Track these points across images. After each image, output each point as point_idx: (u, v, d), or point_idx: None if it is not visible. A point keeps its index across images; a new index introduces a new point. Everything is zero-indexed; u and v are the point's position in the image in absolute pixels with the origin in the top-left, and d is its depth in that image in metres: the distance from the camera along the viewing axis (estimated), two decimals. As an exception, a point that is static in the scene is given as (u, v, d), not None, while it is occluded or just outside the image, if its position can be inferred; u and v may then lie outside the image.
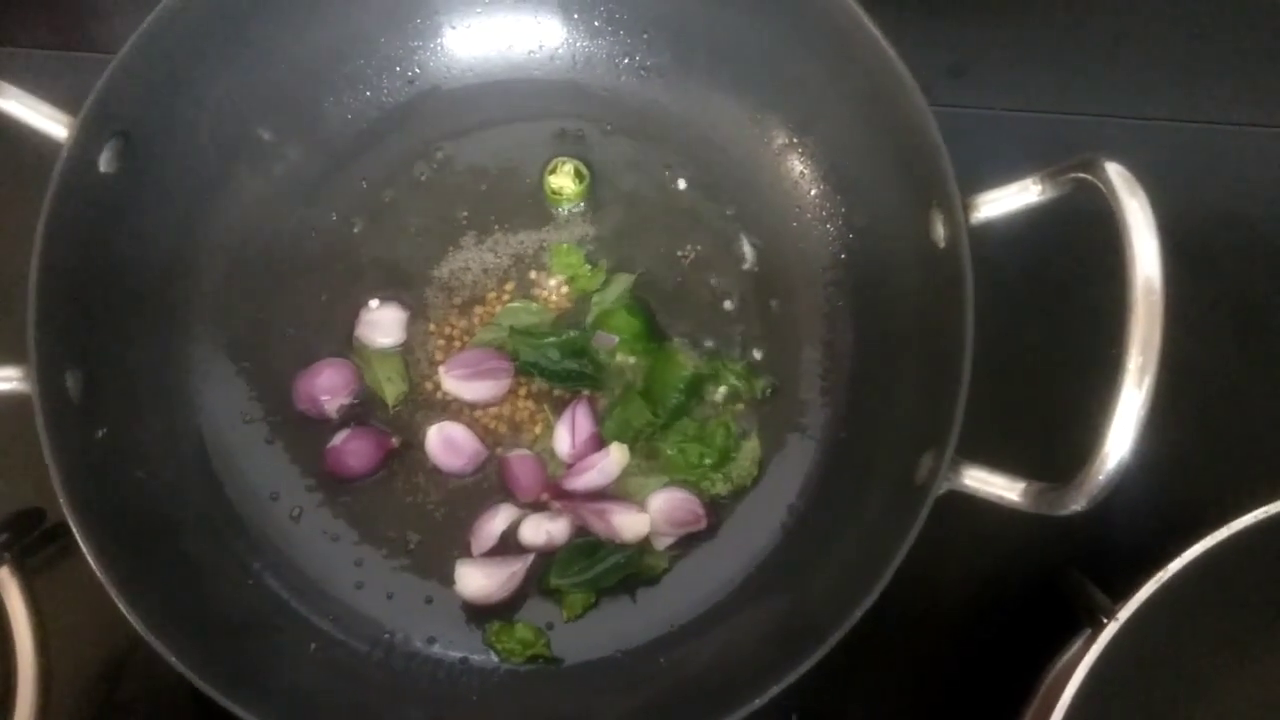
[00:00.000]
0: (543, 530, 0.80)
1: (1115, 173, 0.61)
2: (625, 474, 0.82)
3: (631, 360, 0.84)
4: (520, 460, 0.82)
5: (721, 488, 0.82)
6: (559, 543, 0.80)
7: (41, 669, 0.80)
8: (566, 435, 0.82)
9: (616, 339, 0.83)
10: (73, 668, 0.82)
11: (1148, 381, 0.58)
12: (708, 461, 0.82)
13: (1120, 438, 0.58)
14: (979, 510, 0.67)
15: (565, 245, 0.86)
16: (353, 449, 0.82)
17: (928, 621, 0.83)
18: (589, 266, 0.86)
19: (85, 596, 0.78)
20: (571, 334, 0.83)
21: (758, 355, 0.85)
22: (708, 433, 0.82)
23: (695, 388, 0.83)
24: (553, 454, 0.83)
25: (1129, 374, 0.58)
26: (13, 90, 0.71)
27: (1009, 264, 0.83)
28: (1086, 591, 0.75)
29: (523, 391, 0.84)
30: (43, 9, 0.95)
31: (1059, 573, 0.80)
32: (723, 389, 0.84)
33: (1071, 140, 0.92)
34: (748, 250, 0.86)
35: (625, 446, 0.81)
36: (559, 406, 0.83)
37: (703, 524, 0.81)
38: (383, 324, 0.85)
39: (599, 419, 0.82)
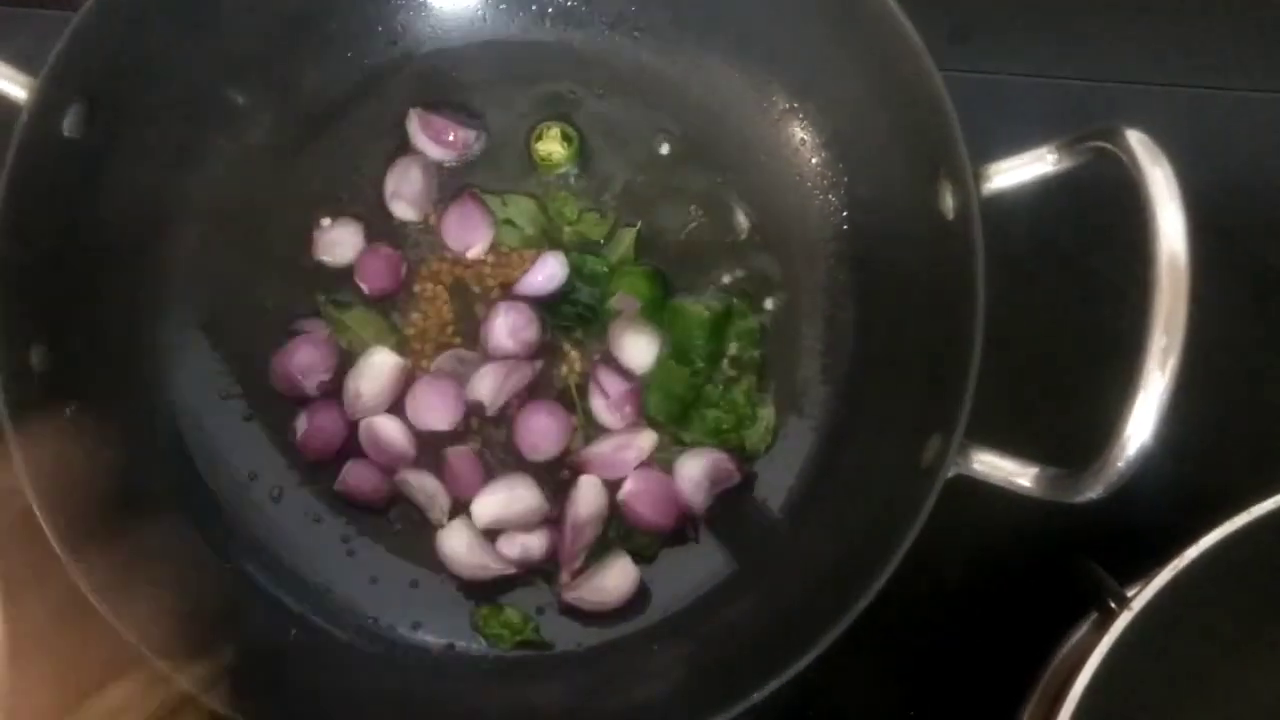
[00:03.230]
0: (518, 543, 0.78)
1: (1137, 141, 0.58)
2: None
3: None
4: (460, 458, 0.79)
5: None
6: (535, 557, 0.78)
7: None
8: (602, 401, 0.79)
9: (639, 303, 0.80)
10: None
11: (1171, 363, 0.55)
12: (724, 426, 0.79)
13: (1141, 422, 0.55)
14: (982, 491, 0.64)
15: (561, 194, 0.83)
16: (319, 426, 0.79)
17: (928, 605, 0.81)
18: (596, 215, 0.83)
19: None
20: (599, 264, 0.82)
21: (757, 330, 0.82)
22: (727, 398, 0.80)
23: (718, 328, 0.80)
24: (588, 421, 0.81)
25: (1151, 355, 0.55)
26: (-34, 49, 0.67)
27: (1018, 236, 0.80)
28: (1096, 577, 0.73)
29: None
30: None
31: (1066, 557, 0.78)
32: (746, 323, 0.81)
33: (1080, 108, 0.89)
34: (742, 219, 0.83)
35: (653, 433, 0.79)
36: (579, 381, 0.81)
37: (737, 478, 0.79)
38: (338, 244, 0.82)
39: (626, 375, 0.80)
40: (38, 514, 0.64)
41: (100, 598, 0.64)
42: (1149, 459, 0.56)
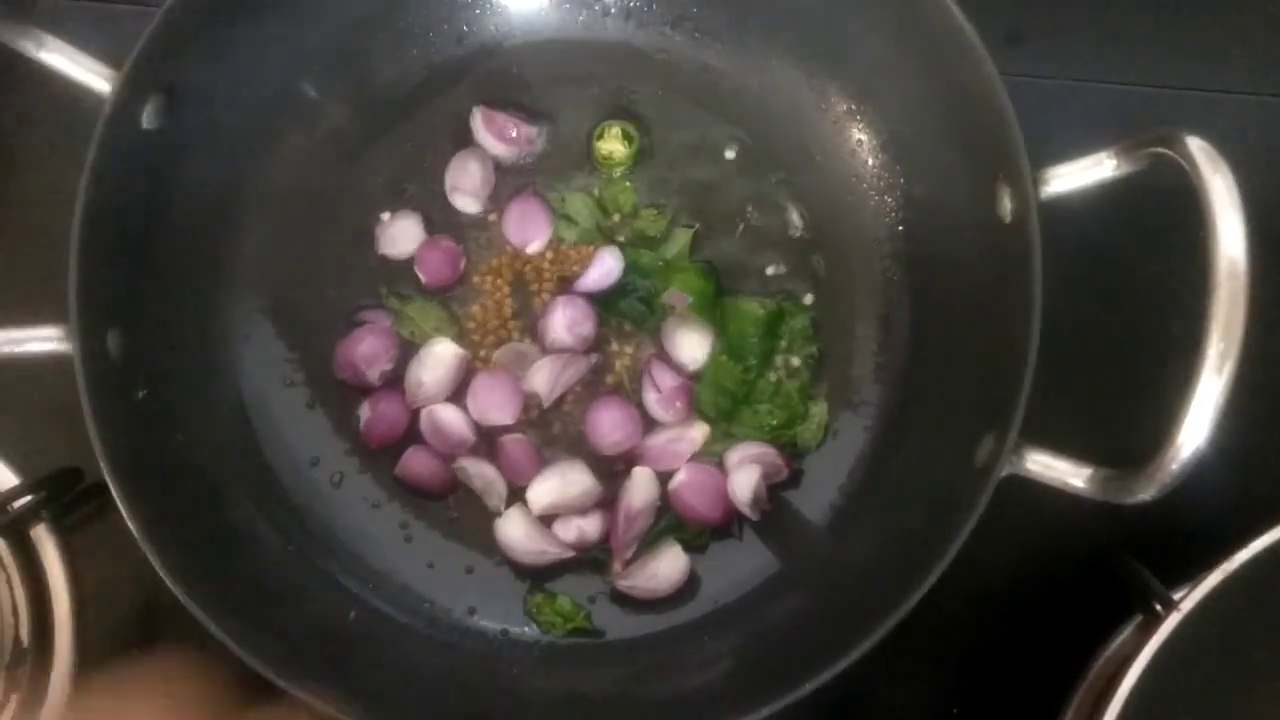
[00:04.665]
0: (574, 526, 0.79)
1: (1197, 148, 0.59)
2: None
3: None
4: (516, 445, 0.80)
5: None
6: (591, 539, 0.79)
7: (78, 627, 0.81)
8: (654, 395, 0.80)
9: (690, 299, 0.81)
10: (109, 625, 0.82)
11: (1228, 368, 0.56)
12: (774, 422, 0.80)
13: (1196, 426, 0.56)
14: (1025, 491, 0.65)
15: (620, 183, 0.85)
16: (382, 414, 0.81)
17: (972, 603, 0.81)
18: (654, 211, 0.84)
19: (121, 555, 0.80)
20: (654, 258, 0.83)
21: (810, 326, 0.83)
22: (780, 394, 0.81)
23: (771, 326, 0.81)
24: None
25: (1208, 360, 0.56)
26: (55, 42, 0.69)
27: (1072, 239, 0.79)
28: (1142, 579, 0.73)
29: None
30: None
31: (1112, 559, 0.78)
32: (798, 321, 0.82)
33: (1134, 112, 0.90)
34: (796, 218, 0.84)
35: (705, 425, 0.80)
36: (635, 375, 0.82)
37: (784, 474, 0.80)
38: (399, 237, 0.83)
39: (679, 370, 0.81)
40: (115, 496, 0.66)
41: (173, 578, 0.65)
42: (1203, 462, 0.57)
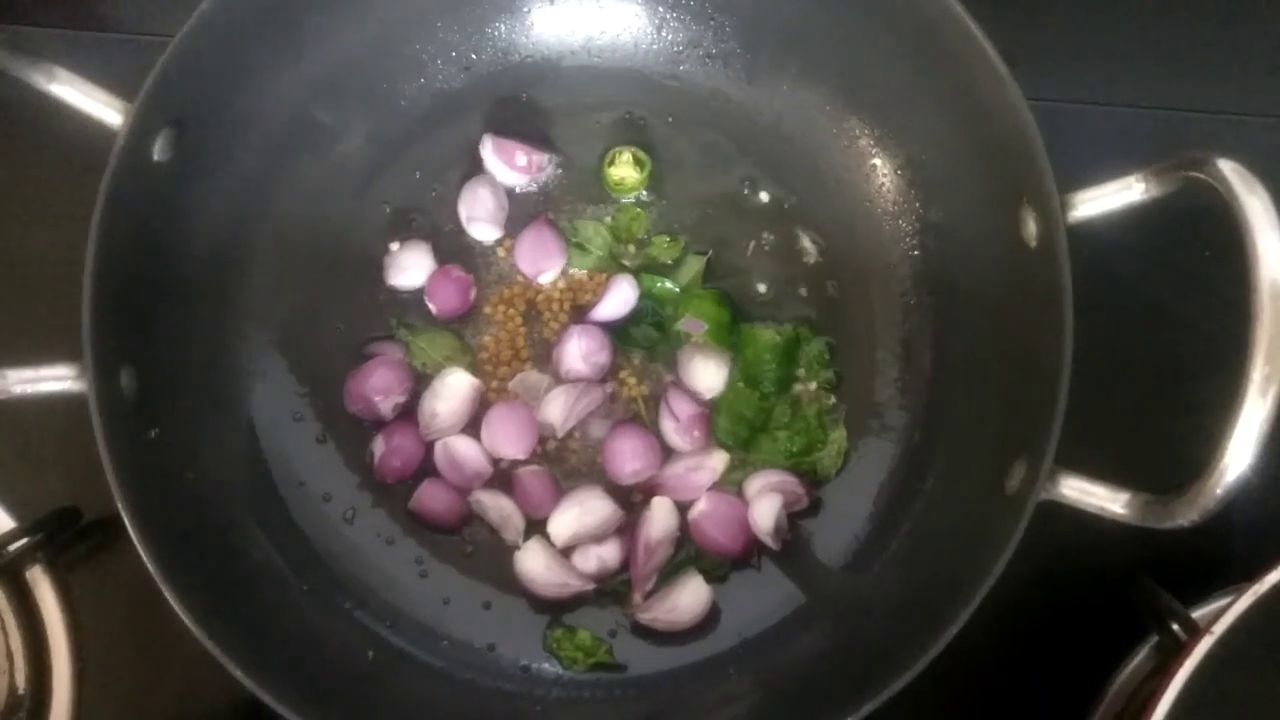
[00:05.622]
0: (593, 556, 0.78)
1: (1231, 170, 0.59)
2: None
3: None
4: (533, 477, 0.79)
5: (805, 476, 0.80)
6: (611, 569, 0.78)
7: (77, 671, 0.79)
8: (672, 424, 0.79)
9: (705, 326, 0.81)
10: (108, 668, 0.80)
11: (1274, 392, 0.55)
12: (793, 449, 0.80)
13: (1240, 450, 0.56)
14: (1040, 511, 0.64)
15: (628, 205, 0.84)
16: (396, 448, 0.79)
17: (986, 625, 0.80)
18: (667, 238, 0.84)
19: (119, 594, 0.79)
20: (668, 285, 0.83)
21: (826, 352, 0.82)
22: (798, 420, 0.80)
23: (788, 352, 0.81)
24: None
25: (1253, 384, 0.55)
26: (66, 75, 0.67)
27: (1095, 262, 0.80)
28: (1161, 600, 0.73)
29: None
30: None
31: (1127, 579, 0.78)
32: (814, 347, 0.82)
33: (1154, 136, 0.90)
34: (809, 244, 0.84)
35: (724, 453, 0.79)
36: (650, 403, 0.82)
37: (805, 502, 0.79)
38: (409, 267, 0.82)
39: (696, 398, 0.80)
40: (134, 538, 0.64)
41: (193, 620, 0.64)
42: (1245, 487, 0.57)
